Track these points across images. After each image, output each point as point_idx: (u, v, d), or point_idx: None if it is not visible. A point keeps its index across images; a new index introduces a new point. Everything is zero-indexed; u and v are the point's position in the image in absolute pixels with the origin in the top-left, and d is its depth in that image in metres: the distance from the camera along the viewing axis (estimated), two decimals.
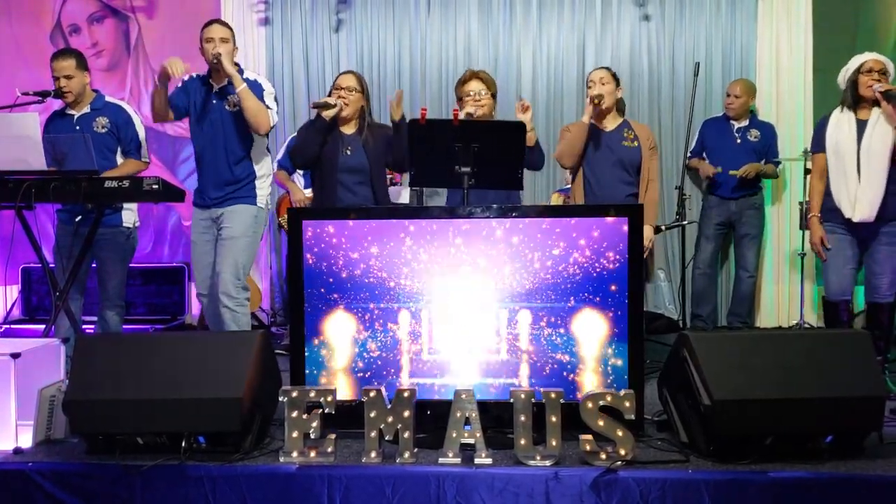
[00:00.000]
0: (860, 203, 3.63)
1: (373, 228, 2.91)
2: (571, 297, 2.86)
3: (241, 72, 3.92)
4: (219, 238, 3.94)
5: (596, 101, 3.84)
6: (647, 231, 3.97)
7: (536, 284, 2.87)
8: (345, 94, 3.88)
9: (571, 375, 2.86)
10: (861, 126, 3.67)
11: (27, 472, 2.54)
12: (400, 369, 2.91)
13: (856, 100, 3.72)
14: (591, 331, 2.86)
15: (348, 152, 3.88)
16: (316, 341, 2.93)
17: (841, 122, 3.72)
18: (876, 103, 3.65)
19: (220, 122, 3.91)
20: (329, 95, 3.94)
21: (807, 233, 4.19)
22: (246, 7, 5.98)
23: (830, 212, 3.76)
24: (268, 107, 3.89)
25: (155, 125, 5.96)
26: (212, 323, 4.06)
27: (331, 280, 2.91)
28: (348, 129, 3.94)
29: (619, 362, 2.85)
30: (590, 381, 2.85)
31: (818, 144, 3.84)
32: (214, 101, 3.93)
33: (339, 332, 2.92)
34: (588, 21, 5.91)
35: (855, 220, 3.65)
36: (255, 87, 3.88)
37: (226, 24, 4.00)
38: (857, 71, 3.71)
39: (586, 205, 3.91)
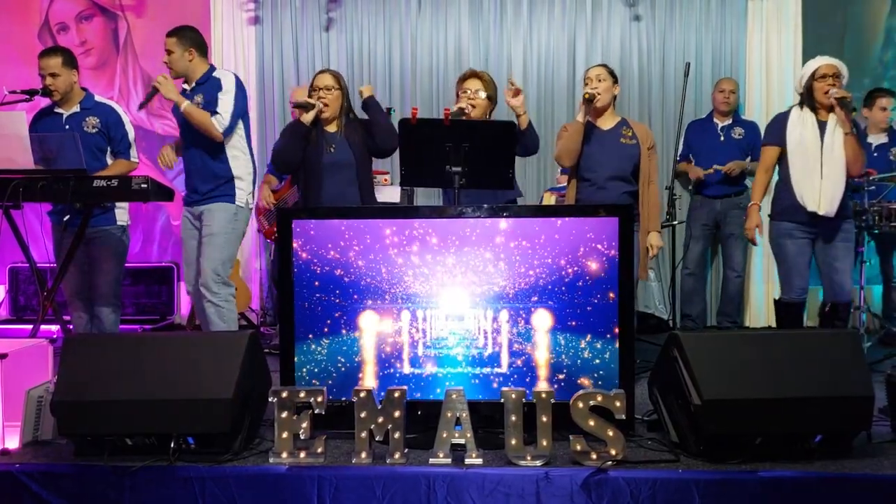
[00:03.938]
0: (824, 199, 3.68)
1: (363, 228, 2.90)
2: (563, 297, 2.85)
3: (212, 69, 3.98)
4: (202, 234, 3.97)
5: (587, 96, 3.82)
6: (656, 238, 3.95)
7: (528, 284, 2.86)
8: (323, 95, 3.87)
9: (562, 375, 2.86)
10: (822, 126, 3.73)
11: (14, 474, 2.52)
12: (391, 369, 2.90)
13: (812, 104, 3.76)
14: (582, 330, 2.86)
15: (332, 150, 3.88)
16: (305, 341, 2.92)
17: (805, 120, 3.76)
18: (832, 108, 3.69)
19: (190, 123, 3.91)
20: (309, 97, 3.93)
21: None
22: (236, 6, 5.96)
23: (791, 210, 3.77)
24: (214, 112, 3.85)
25: (143, 124, 5.96)
26: (200, 319, 4.06)
27: (317, 281, 2.90)
28: (331, 128, 3.94)
29: (610, 362, 2.85)
30: (580, 381, 2.85)
31: (773, 138, 3.86)
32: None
33: (328, 333, 2.91)
34: (578, 21, 5.92)
35: (821, 213, 3.68)
36: (214, 86, 3.91)
37: (172, 34, 3.95)
38: (812, 77, 3.75)
39: (577, 205, 3.91)
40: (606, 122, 3.99)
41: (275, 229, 5.00)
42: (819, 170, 3.69)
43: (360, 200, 3.92)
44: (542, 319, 2.86)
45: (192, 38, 3.97)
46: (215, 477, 2.49)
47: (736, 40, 5.85)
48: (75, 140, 3.64)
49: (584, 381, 2.84)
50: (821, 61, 3.77)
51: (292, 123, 3.91)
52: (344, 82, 3.99)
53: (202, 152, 3.94)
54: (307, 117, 3.80)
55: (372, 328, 2.90)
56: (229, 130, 3.92)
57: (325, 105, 3.86)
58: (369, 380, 2.89)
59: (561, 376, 2.86)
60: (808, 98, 3.78)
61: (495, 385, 2.87)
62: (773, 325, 5.71)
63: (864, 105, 5.15)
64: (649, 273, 5.70)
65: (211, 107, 3.87)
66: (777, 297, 4.01)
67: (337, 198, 3.85)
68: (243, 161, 4.03)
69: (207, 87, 3.91)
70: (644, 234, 3.91)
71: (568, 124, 4.08)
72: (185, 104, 3.83)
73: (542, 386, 2.83)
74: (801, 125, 3.75)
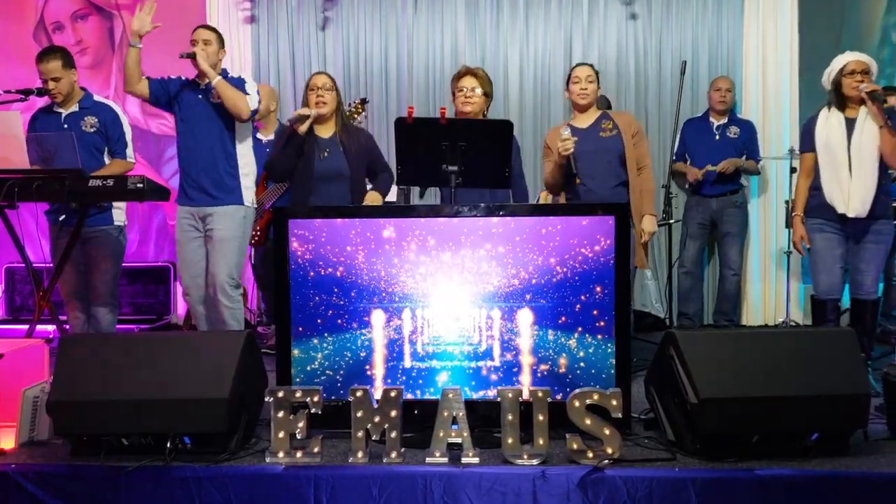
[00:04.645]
0: (854, 199, 3.63)
1: (361, 227, 2.89)
2: (559, 296, 2.85)
3: (224, 73, 3.95)
4: (209, 238, 3.92)
5: (563, 156, 3.81)
6: (649, 222, 3.96)
7: (524, 283, 2.86)
8: (322, 94, 3.87)
9: (556, 372, 2.86)
10: (850, 124, 3.67)
11: (10, 474, 2.51)
12: (393, 362, 2.90)
13: (841, 101, 3.72)
14: (578, 329, 2.86)
15: (325, 156, 3.86)
16: (304, 339, 2.91)
17: (830, 121, 3.72)
18: (862, 102, 3.65)
19: (206, 117, 3.90)
20: (304, 98, 3.92)
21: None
22: (231, 5, 5.95)
23: (820, 208, 3.75)
24: (246, 93, 3.88)
25: (140, 124, 5.95)
26: (201, 321, 4.02)
27: (316, 280, 2.90)
28: (324, 133, 3.93)
29: (607, 361, 2.85)
30: (575, 379, 2.85)
31: (806, 144, 3.83)
32: (200, 97, 3.92)
33: (323, 332, 2.91)
34: (575, 20, 5.92)
35: (850, 215, 3.64)
36: (237, 81, 3.93)
37: (212, 29, 4.03)
38: (841, 73, 3.71)
39: (573, 203, 3.91)
40: (585, 120, 4.02)
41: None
42: (847, 170, 3.64)
43: None
44: (536, 316, 2.86)
45: (224, 41, 4.06)
46: (212, 477, 2.49)
47: (732, 39, 5.85)
48: (72, 140, 3.64)
49: (562, 360, 2.86)
50: (849, 57, 3.71)
51: (285, 132, 3.89)
52: (338, 87, 4.00)
53: (214, 149, 3.91)
54: (303, 128, 3.79)
55: (377, 325, 2.90)
56: (254, 115, 3.94)
57: (324, 103, 3.86)
58: (379, 371, 2.89)
59: (545, 367, 2.86)
60: (836, 95, 3.73)
61: (484, 373, 2.88)
62: (770, 323, 5.73)
63: None
64: (646, 272, 5.71)
65: (239, 89, 3.88)
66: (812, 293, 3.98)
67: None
68: (250, 160, 4.03)
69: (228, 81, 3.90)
70: (637, 219, 3.91)
71: (549, 138, 4.07)
72: (217, 78, 3.82)
73: (526, 375, 2.85)
74: (826, 127, 3.71)
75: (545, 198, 5.21)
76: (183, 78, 4.01)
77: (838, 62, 3.74)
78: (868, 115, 3.64)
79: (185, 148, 3.97)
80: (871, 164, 3.63)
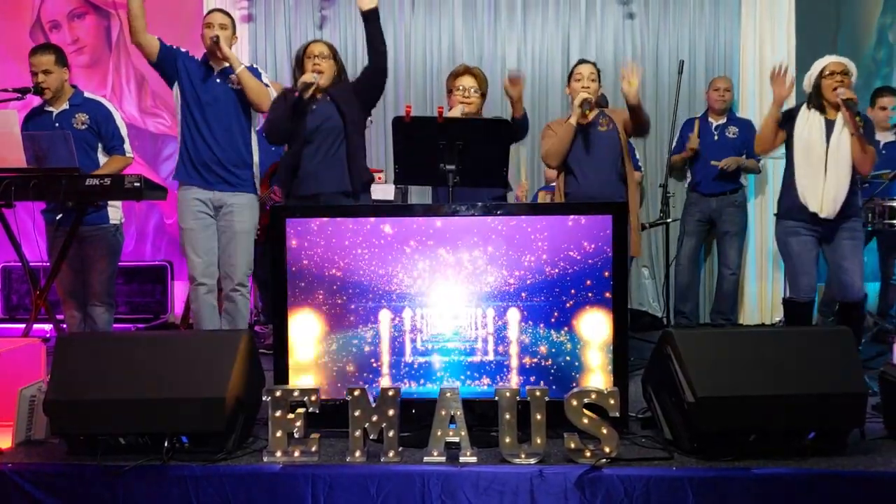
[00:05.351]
0: (826, 199, 3.67)
1: (355, 226, 2.89)
2: (555, 295, 2.85)
3: None
4: (226, 229, 3.89)
5: (583, 102, 3.85)
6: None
7: (521, 282, 2.86)
8: (318, 62, 3.77)
9: (556, 372, 2.86)
10: (829, 126, 3.71)
11: (6, 473, 2.51)
12: (383, 369, 2.90)
13: (820, 102, 3.75)
14: (575, 328, 2.86)
15: (314, 108, 3.75)
16: (299, 339, 2.91)
17: (811, 121, 3.75)
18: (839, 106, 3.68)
19: (226, 101, 3.88)
20: (302, 67, 3.83)
21: None
22: (229, 3, 5.93)
23: (793, 209, 3.77)
24: (266, 84, 3.90)
25: (136, 122, 5.94)
26: (208, 312, 3.92)
27: (312, 278, 2.90)
28: (319, 93, 3.85)
29: (604, 359, 2.85)
30: (575, 378, 2.85)
31: (783, 120, 3.83)
32: (218, 81, 3.88)
33: (319, 331, 2.91)
34: (572, 19, 5.92)
35: (822, 215, 3.67)
36: (254, 70, 3.94)
37: (226, 13, 4.01)
38: (820, 75, 3.75)
39: (570, 203, 3.92)
40: (586, 118, 4.03)
41: None
42: (823, 172, 3.67)
43: (349, 172, 3.75)
44: (535, 317, 2.86)
45: (236, 26, 4.02)
46: (209, 476, 2.48)
47: (729, 38, 5.87)
48: (67, 139, 3.63)
49: (542, 349, 2.87)
50: (829, 59, 3.76)
51: (286, 96, 3.80)
52: (339, 56, 3.91)
53: (236, 135, 3.87)
54: (307, 95, 3.72)
55: (382, 321, 2.90)
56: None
57: (320, 72, 3.75)
58: (385, 367, 2.91)
59: (555, 373, 2.86)
60: (815, 96, 3.76)
61: (478, 364, 2.89)
62: (767, 322, 5.74)
63: (869, 104, 5.15)
64: (643, 270, 5.72)
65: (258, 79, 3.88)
66: (785, 297, 3.99)
67: (321, 167, 3.72)
68: (256, 146, 4.04)
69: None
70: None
71: (552, 124, 4.10)
72: (241, 66, 3.80)
73: (516, 367, 2.86)
74: (807, 127, 3.74)
75: (543, 197, 5.23)
76: (190, 54, 3.95)
77: (818, 65, 3.80)
78: None
79: (201, 129, 3.85)
80: (846, 166, 3.67)
